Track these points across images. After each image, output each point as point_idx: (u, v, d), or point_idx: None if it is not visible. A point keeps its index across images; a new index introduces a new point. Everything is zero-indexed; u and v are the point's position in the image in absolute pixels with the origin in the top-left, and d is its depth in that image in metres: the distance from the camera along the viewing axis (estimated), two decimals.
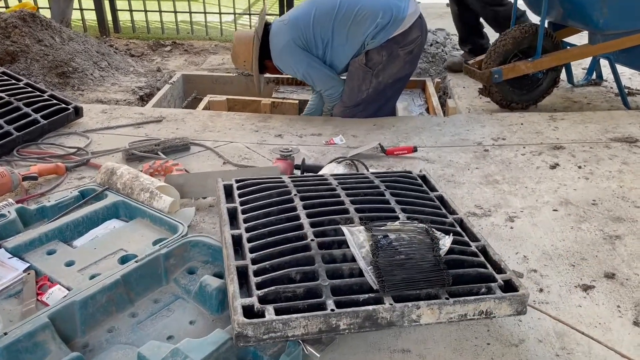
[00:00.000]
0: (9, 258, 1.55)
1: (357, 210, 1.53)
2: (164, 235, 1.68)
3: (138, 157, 2.29)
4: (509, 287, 1.32)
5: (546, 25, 2.92)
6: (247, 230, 1.47)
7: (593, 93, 3.41)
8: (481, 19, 3.76)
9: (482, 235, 1.51)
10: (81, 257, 1.58)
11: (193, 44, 4.87)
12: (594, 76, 3.58)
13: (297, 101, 3.63)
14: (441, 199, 1.72)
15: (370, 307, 1.19)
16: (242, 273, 1.32)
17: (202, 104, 3.57)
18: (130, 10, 5.18)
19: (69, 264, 1.55)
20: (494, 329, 1.38)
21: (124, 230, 1.72)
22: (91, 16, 5.19)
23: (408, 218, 1.51)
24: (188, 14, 5.26)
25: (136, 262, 1.48)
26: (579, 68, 3.62)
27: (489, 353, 1.30)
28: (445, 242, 1.40)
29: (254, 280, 1.27)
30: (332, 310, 1.18)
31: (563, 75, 3.23)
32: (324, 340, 1.29)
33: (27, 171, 2.04)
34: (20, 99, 2.51)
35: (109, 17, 5.08)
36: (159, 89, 3.72)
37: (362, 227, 1.42)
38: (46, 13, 4.45)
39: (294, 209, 1.54)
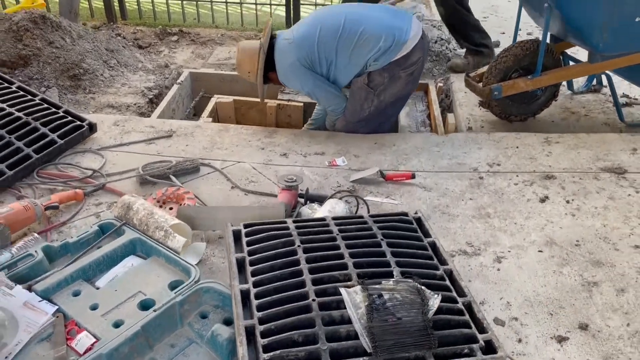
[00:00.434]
0: (39, 301, 1.72)
1: (355, 265, 1.67)
2: (177, 277, 1.83)
3: (151, 181, 2.43)
4: (489, 348, 1.48)
5: (548, 40, 2.98)
6: (255, 285, 1.62)
7: (592, 102, 3.49)
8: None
9: (469, 290, 1.65)
10: (104, 299, 1.74)
11: (200, 32, 4.91)
12: (594, 82, 3.65)
13: (302, 104, 3.73)
14: (434, 246, 1.86)
15: None
16: (250, 332, 1.48)
17: (209, 106, 3.67)
18: None
19: (94, 307, 1.71)
20: None
21: (141, 270, 1.88)
22: (98, 3, 5.20)
23: (402, 273, 1.66)
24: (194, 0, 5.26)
25: (154, 310, 1.64)
26: None
27: None
28: (434, 302, 1.55)
29: (261, 342, 1.43)
30: None
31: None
32: None
33: (48, 201, 2.18)
34: (37, 118, 2.62)
35: (116, 3, 5.09)
36: (167, 88, 3.82)
37: (358, 288, 1.57)
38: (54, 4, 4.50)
39: (297, 262, 1.68)
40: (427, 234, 1.92)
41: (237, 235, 1.86)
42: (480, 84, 3.14)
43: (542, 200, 2.31)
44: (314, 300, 1.54)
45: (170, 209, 2.28)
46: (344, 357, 1.41)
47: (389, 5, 3.52)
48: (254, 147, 2.78)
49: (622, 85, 3.50)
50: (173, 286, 1.80)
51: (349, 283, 1.60)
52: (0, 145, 2.44)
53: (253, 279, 1.64)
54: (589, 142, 2.74)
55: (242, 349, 1.42)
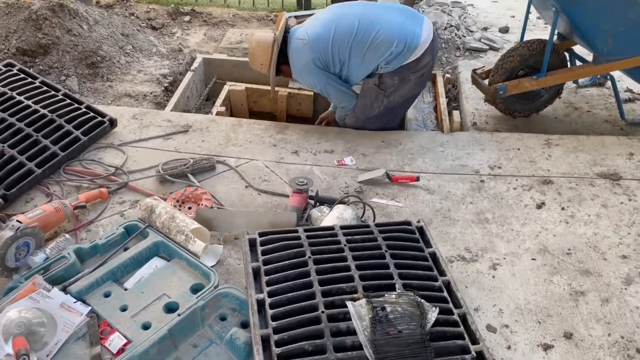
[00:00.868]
0: (74, 302, 1.90)
1: (361, 278, 1.83)
2: (198, 280, 2.01)
3: (171, 180, 2.58)
4: (480, 359, 1.66)
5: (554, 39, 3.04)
6: (270, 294, 1.79)
7: (595, 97, 3.57)
8: None
9: (464, 302, 1.82)
10: (132, 301, 1.92)
11: (212, 12, 4.96)
12: (598, 75, 3.71)
13: (312, 93, 3.82)
14: (434, 256, 2.01)
15: None
16: (265, 339, 1.66)
17: (222, 94, 3.77)
18: None
19: (123, 308, 1.90)
20: None
21: (164, 272, 2.05)
22: None
23: (404, 285, 1.82)
24: None
25: (179, 314, 1.83)
26: None
27: None
28: (432, 315, 1.72)
29: (275, 351, 1.61)
30: None
31: None
32: None
33: (76, 201, 2.34)
34: (61, 115, 2.76)
35: None
36: (181, 74, 3.92)
37: (363, 301, 1.73)
38: None
39: (308, 274, 1.85)
40: (428, 244, 2.07)
41: (252, 243, 2.02)
42: (486, 81, 3.23)
43: (539, 207, 2.45)
44: (323, 312, 1.71)
45: (189, 208, 2.44)
46: None
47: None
48: (266, 143, 2.91)
49: (627, 79, 3.56)
50: (194, 289, 1.98)
51: (354, 296, 1.77)
52: (28, 144, 2.58)
53: (268, 288, 1.81)
54: (588, 145, 2.84)
55: (259, 357, 1.60)
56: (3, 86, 2.83)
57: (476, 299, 2.02)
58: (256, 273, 1.90)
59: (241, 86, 3.84)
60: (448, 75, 3.92)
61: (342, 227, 2.10)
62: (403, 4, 3.79)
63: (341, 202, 2.38)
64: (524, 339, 1.87)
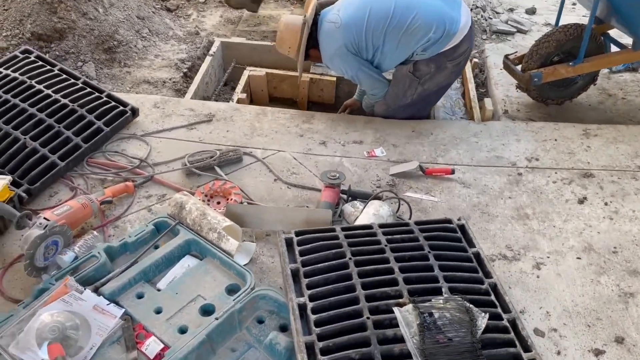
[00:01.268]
0: (107, 304, 1.84)
1: (405, 281, 1.76)
2: (233, 281, 1.94)
3: (197, 173, 2.50)
4: None
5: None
6: (311, 298, 1.72)
7: (629, 83, 3.45)
8: None
9: (513, 306, 1.74)
10: (166, 303, 1.86)
11: None
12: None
13: (334, 78, 3.71)
14: (478, 257, 1.93)
15: None
16: (309, 347, 1.60)
17: (242, 80, 3.67)
18: None
19: (158, 310, 1.83)
20: None
21: (198, 272, 1.98)
22: None
23: (450, 289, 1.75)
24: None
25: (216, 318, 1.76)
26: None
27: None
28: (482, 322, 1.65)
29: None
30: None
31: None
32: None
33: (103, 196, 2.27)
34: (82, 105, 2.67)
35: None
36: (199, 59, 3.81)
37: (410, 306, 1.66)
38: None
39: (350, 277, 1.77)
40: (470, 243, 1.99)
41: (289, 243, 1.95)
42: (519, 67, 3.11)
43: (581, 202, 2.36)
44: (368, 318, 1.64)
45: (218, 203, 2.36)
46: None
47: None
48: (292, 133, 2.82)
49: None
50: (229, 290, 1.92)
51: (400, 301, 1.70)
52: (50, 135, 2.50)
53: (309, 292, 1.74)
54: (628, 135, 2.74)
55: None
56: (22, 74, 2.73)
57: (521, 301, 1.95)
58: (295, 274, 1.83)
59: (261, 71, 3.73)
60: (475, 60, 3.79)
61: (381, 226, 2.02)
62: None
63: (376, 197, 2.30)
64: (574, 343, 1.80)
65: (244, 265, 2.07)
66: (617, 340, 1.80)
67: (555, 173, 2.53)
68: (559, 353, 1.77)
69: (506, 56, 3.17)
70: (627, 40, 2.98)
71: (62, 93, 2.69)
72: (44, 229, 1.97)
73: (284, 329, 1.81)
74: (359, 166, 2.60)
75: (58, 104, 2.63)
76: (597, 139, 2.73)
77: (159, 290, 1.93)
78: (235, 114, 2.94)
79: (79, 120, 2.61)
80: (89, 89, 2.79)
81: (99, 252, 1.98)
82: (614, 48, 3.11)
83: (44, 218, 2.03)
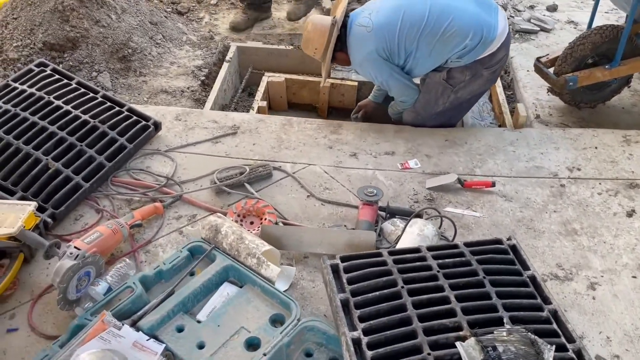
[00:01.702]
0: (147, 340, 1.74)
1: (464, 311, 1.66)
2: (276, 310, 1.85)
3: (226, 191, 2.40)
4: None
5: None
6: (365, 332, 1.62)
7: None
8: None
9: (576, 334, 1.65)
10: (208, 336, 1.76)
11: None
12: None
13: (356, 82, 3.60)
14: (534, 280, 1.84)
15: None
16: None
17: (262, 85, 3.56)
18: None
19: (200, 345, 1.74)
20: None
21: (238, 301, 1.89)
22: None
23: (511, 318, 1.65)
24: None
25: (264, 354, 1.67)
26: None
27: None
28: (549, 356, 1.55)
29: None
30: None
31: None
32: None
33: (132, 219, 2.17)
34: (103, 121, 2.56)
35: None
36: (215, 65, 3.70)
37: (472, 340, 1.57)
38: None
39: (405, 308, 1.67)
40: (524, 265, 1.90)
41: (334, 269, 1.85)
42: (552, 70, 3.01)
43: (629, 215, 2.26)
44: (429, 354, 1.54)
45: (251, 223, 2.27)
46: None
47: None
48: (321, 145, 2.71)
49: None
50: (273, 320, 1.83)
51: (461, 334, 1.60)
52: (73, 155, 2.39)
53: (362, 325, 1.64)
54: None
55: None
56: (39, 89, 2.62)
57: (579, 325, 1.86)
58: (344, 304, 1.73)
59: (280, 77, 3.62)
60: None
61: (430, 249, 1.92)
62: None
63: (417, 215, 2.19)
64: None
65: (285, 291, 1.98)
66: None
67: (600, 184, 2.43)
68: None
69: (538, 59, 3.06)
70: None
71: (82, 109, 2.58)
72: (76, 259, 1.88)
73: None
74: (394, 179, 2.50)
75: (79, 121, 2.52)
76: (638, 146, 2.63)
77: (199, 322, 1.83)
78: (260, 125, 2.83)
79: (101, 137, 2.50)
80: (109, 103, 2.68)
81: (134, 283, 1.89)
82: None
83: (75, 247, 1.93)
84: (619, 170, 2.49)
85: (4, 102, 2.53)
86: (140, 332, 1.75)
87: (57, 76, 2.74)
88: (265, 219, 2.24)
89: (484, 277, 1.79)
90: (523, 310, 1.71)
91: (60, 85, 2.69)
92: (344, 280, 1.80)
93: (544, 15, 4.14)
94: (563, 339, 1.64)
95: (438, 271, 1.81)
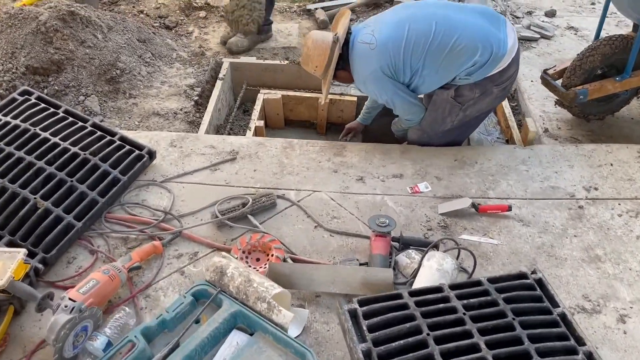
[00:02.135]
0: None
1: (496, 359, 1.55)
2: None
3: (229, 224, 2.26)
4: None
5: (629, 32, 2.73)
6: None
7: None
8: None
9: None
10: None
11: (227, 7, 4.54)
12: None
13: (355, 97, 3.48)
14: (564, 318, 1.72)
15: None
16: None
17: (258, 104, 3.42)
18: None
19: None
20: None
21: (249, 352, 1.75)
22: None
23: None
24: None
25: None
26: None
27: None
28: None
29: None
30: None
31: None
32: None
33: (130, 261, 2.02)
34: (94, 153, 2.41)
35: None
36: (208, 83, 3.55)
37: None
38: None
39: (432, 358, 1.56)
40: (552, 301, 1.78)
41: (352, 314, 1.72)
42: (560, 82, 2.91)
43: None
44: None
45: (257, 260, 2.13)
46: None
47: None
48: (325, 169, 2.59)
49: None
50: None
51: None
52: (63, 192, 2.24)
53: None
54: None
55: None
56: (23, 121, 2.46)
57: None
58: (367, 356, 1.61)
59: (277, 94, 3.48)
60: None
61: (452, 287, 1.79)
62: None
63: (434, 246, 2.07)
64: None
65: (297, 336, 1.85)
66: None
67: (619, 204, 2.33)
68: None
69: (545, 71, 2.95)
70: None
71: (71, 140, 2.42)
72: (71, 312, 1.73)
73: None
74: (404, 205, 2.38)
75: (68, 154, 2.36)
76: None
77: None
78: (260, 150, 2.70)
79: (92, 170, 2.35)
80: (99, 133, 2.52)
81: (135, 336, 1.74)
82: None
83: (69, 299, 1.78)
84: (638, 189, 2.39)
85: None
86: None
87: (42, 105, 2.58)
88: (273, 255, 2.11)
89: (513, 319, 1.67)
90: (557, 354, 1.59)
91: (47, 115, 2.53)
92: (364, 327, 1.67)
93: (543, 21, 4.05)
94: None
95: (464, 313, 1.69)
